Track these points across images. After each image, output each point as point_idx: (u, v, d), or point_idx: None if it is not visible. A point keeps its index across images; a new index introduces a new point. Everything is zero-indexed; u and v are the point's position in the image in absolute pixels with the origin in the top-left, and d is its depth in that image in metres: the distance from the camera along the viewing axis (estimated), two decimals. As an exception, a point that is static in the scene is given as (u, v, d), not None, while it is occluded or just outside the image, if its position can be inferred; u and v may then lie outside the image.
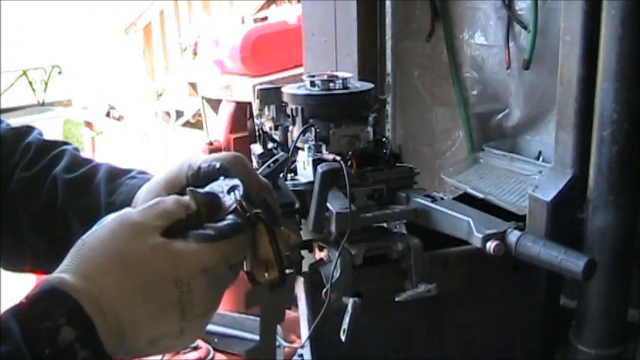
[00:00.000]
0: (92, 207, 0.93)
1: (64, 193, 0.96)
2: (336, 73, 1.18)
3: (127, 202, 0.90)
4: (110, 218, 0.69)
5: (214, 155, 0.83)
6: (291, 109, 1.14)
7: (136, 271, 0.65)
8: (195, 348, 1.90)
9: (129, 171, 1.00)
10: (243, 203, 0.75)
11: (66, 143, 1.10)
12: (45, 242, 0.96)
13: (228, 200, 0.76)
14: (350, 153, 1.10)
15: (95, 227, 0.69)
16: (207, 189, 0.78)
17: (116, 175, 0.98)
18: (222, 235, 0.71)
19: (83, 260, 0.65)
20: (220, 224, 0.72)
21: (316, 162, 1.07)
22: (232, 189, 0.77)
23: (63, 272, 0.64)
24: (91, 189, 0.96)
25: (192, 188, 0.75)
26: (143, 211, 0.70)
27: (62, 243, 0.81)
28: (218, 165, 0.81)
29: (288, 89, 1.17)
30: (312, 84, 1.15)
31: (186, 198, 0.73)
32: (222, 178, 0.80)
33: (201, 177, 0.82)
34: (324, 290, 1.02)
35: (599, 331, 1.28)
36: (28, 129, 1.12)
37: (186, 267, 0.67)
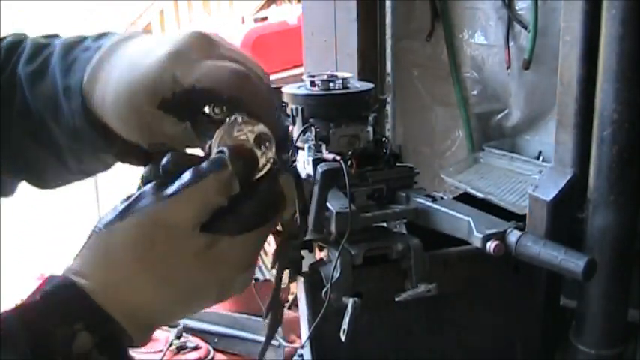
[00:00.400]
0: (50, 96, 0.74)
1: (28, 88, 0.77)
2: (336, 73, 1.18)
3: (80, 85, 0.71)
4: (140, 204, 0.57)
5: (209, 72, 0.63)
6: (291, 109, 1.14)
7: (177, 285, 0.58)
8: (195, 348, 1.90)
9: (83, 39, 0.76)
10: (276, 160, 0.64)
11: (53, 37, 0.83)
12: (36, 149, 0.80)
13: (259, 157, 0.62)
14: (350, 153, 1.10)
15: (113, 213, 0.58)
16: (225, 133, 0.62)
17: (70, 47, 0.76)
18: (265, 220, 0.62)
19: (108, 267, 0.57)
20: (257, 203, 0.61)
21: (316, 162, 1.07)
22: (261, 140, 0.62)
23: (80, 276, 0.56)
24: (48, 74, 0.75)
25: (225, 150, 0.60)
26: (177, 204, 0.57)
27: (48, 148, 0.74)
28: (223, 92, 0.63)
29: (288, 89, 1.17)
30: (312, 84, 1.15)
31: (226, 176, 0.59)
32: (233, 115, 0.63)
33: (192, 100, 0.64)
34: (324, 290, 1.02)
35: (599, 331, 1.28)
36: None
37: (232, 267, 0.61)
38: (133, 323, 0.57)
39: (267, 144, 0.63)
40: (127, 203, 0.58)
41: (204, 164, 0.59)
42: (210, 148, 0.62)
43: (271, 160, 0.63)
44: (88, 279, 0.56)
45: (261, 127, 0.63)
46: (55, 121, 0.75)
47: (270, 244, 1.11)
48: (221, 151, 0.60)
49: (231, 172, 0.59)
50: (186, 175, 0.58)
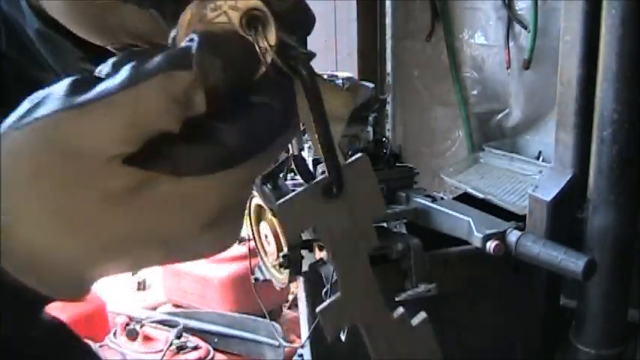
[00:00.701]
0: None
1: None
2: (336, 73, 1.18)
3: None
4: (43, 109, 0.37)
5: None
6: (291, 109, 1.14)
7: (89, 231, 0.38)
8: (195, 348, 1.90)
9: None
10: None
11: None
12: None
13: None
14: (350, 153, 1.10)
15: (13, 116, 0.37)
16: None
17: None
18: (247, 154, 0.38)
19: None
20: (237, 132, 0.37)
21: (316, 162, 1.07)
22: (252, 21, 0.38)
23: None
24: None
25: (195, 38, 0.37)
26: (89, 118, 0.36)
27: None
28: None
29: (288, 89, 1.17)
30: (312, 84, 1.15)
31: (182, 81, 0.36)
32: None
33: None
34: (324, 290, 1.02)
35: (599, 331, 1.28)
36: None
37: (183, 219, 0.39)
38: (37, 269, 0.39)
39: (261, 26, 0.38)
40: (29, 105, 0.38)
41: (153, 60, 0.36)
42: (174, 39, 0.39)
43: (268, 54, 0.38)
44: None
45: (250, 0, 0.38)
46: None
47: (270, 244, 1.11)
48: (191, 40, 0.37)
49: (194, 74, 0.36)
50: (120, 75, 0.36)
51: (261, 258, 1.18)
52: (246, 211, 1.18)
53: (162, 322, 2.00)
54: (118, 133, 0.36)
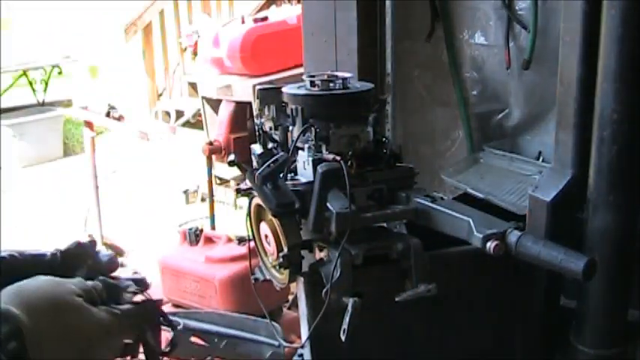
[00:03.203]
0: None
1: None
2: (336, 73, 1.18)
3: None
4: (43, 277, 0.88)
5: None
6: (291, 109, 1.14)
7: (65, 319, 0.84)
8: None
9: None
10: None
11: None
12: None
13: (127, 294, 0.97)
14: (350, 153, 1.10)
15: (24, 281, 0.86)
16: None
17: None
18: (122, 313, 0.91)
19: (27, 300, 0.82)
20: (122, 307, 0.93)
21: (316, 162, 1.07)
22: (128, 286, 0.97)
23: (7, 304, 0.81)
24: None
25: (105, 278, 0.95)
26: (74, 282, 0.89)
27: None
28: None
29: (288, 89, 1.17)
30: (312, 84, 1.15)
31: (101, 285, 0.93)
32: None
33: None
34: (324, 290, 1.02)
35: (599, 331, 1.28)
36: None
37: (97, 327, 0.87)
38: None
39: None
40: None
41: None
42: None
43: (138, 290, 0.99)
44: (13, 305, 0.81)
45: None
46: None
47: (270, 244, 1.11)
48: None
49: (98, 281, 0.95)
50: None
51: (261, 258, 1.18)
52: (247, 211, 1.18)
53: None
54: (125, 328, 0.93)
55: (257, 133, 1.21)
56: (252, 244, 1.20)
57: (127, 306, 0.94)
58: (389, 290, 1.06)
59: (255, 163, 1.17)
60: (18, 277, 0.90)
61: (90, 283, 0.93)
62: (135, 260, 3.16)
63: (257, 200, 1.11)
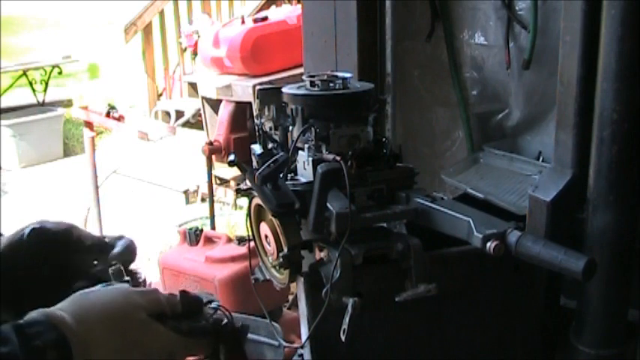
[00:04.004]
0: None
1: None
2: (336, 73, 1.18)
3: None
4: (113, 285, 0.87)
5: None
6: (291, 109, 1.14)
7: (122, 334, 0.80)
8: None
9: None
10: (217, 314, 0.93)
11: None
12: None
13: (209, 309, 0.93)
14: (350, 153, 1.10)
15: (98, 287, 0.85)
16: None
17: None
18: (191, 332, 0.88)
19: (81, 308, 0.80)
20: (193, 324, 0.89)
21: (316, 162, 1.07)
22: (209, 302, 0.94)
23: (61, 310, 0.78)
24: None
25: (184, 290, 0.92)
26: (140, 293, 0.87)
27: None
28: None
29: (288, 89, 1.17)
30: (312, 84, 1.15)
31: (177, 298, 0.90)
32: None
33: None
34: (324, 290, 1.02)
35: (599, 331, 1.28)
36: None
37: (158, 345, 0.84)
38: (82, 352, 0.75)
39: (213, 304, 0.96)
40: None
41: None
42: None
43: (215, 309, 0.95)
44: (65, 312, 0.78)
45: (213, 296, 0.98)
46: None
47: (270, 244, 1.11)
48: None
49: (181, 297, 0.92)
50: None
51: (261, 258, 1.18)
52: (247, 211, 1.18)
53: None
54: (192, 350, 0.92)
55: (257, 133, 1.21)
56: (252, 244, 1.20)
57: (199, 325, 0.91)
58: (389, 290, 1.06)
59: (255, 163, 1.17)
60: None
61: (164, 295, 0.88)
62: (135, 260, 3.16)
63: (257, 200, 1.11)
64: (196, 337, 0.90)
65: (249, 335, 1.95)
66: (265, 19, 4.59)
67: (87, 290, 0.84)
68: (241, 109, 4.38)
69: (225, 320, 0.94)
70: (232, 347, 0.94)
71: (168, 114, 6.11)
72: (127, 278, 0.97)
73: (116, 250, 1.06)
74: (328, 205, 1.01)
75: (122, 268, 0.99)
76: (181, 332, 0.87)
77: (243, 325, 0.98)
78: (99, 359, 0.78)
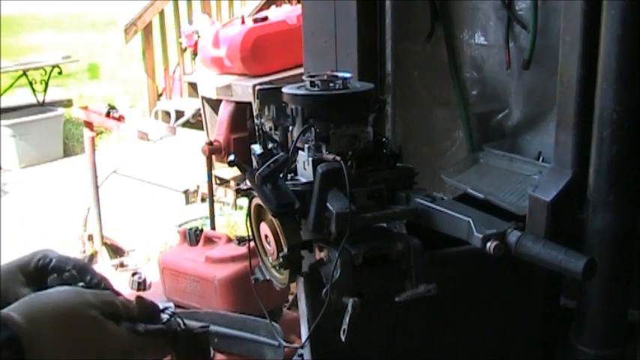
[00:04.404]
0: None
1: None
2: (336, 73, 1.18)
3: None
4: (64, 287, 0.86)
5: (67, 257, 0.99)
6: (291, 109, 1.14)
7: (72, 331, 0.80)
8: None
9: None
10: (174, 320, 0.93)
11: None
12: None
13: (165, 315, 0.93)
14: (350, 153, 1.10)
15: (47, 290, 0.85)
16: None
17: None
18: (145, 332, 0.88)
19: (32, 308, 0.79)
20: (150, 326, 0.89)
21: (316, 162, 1.07)
22: (165, 308, 0.95)
23: (11, 311, 0.78)
24: None
25: (139, 296, 0.92)
26: (95, 294, 0.86)
27: None
28: (70, 267, 0.97)
29: (288, 89, 1.17)
30: (312, 84, 1.15)
31: (133, 302, 0.90)
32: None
33: (49, 269, 0.97)
34: (324, 290, 1.01)
35: (599, 331, 1.28)
36: None
37: (111, 343, 0.83)
38: (31, 351, 0.75)
39: (168, 310, 0.96)
40: None
41: None
42: None
43: (172, 314, 0.95)
44: (16, 312, 0.78)
45: (169, 304, 0.97)
46: None
47: (270, 244, 1.11)
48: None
49: (137, 301, 0.91)
50: None
51: (261, 258, 1.18)
52: (247, 211, 1.18)
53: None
54: (146, 349, 0.90)
55: (257, 133, 1.21)
56: (252, 244, 1.20)
57: (154, 326, 0.90)
58: (389, 290, 1.06)
59: (255, 163, 1.17)
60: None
61: (119, 298, 0.89)
62: (135, 260, 3.16)
63: (257, 200, 1.11)
64: (151, 337, 0.90)
65: (249, 335, 1.96)
66: (265, 19, 4.59)
67: (39, 292, 0.84)
68: (241, 109, 4.37)
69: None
70: (188, 352, 0.95)
71: (168, 114, 6.10)
72: (81, 284, 0.95)
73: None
74: (328, 205, 1.01)
75: (77, 273, 0.98)
76: (136, 332, 0.87)
77: (203, 332, 0.98)
78: (51, 357, 0.78)
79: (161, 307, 0.95)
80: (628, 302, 1.27)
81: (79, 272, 0.97)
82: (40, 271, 0.97)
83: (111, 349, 0.83)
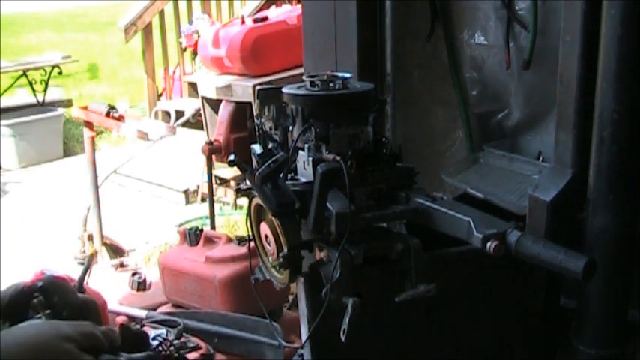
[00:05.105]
0: None
1: None
2: (336, 73, 1.18)
3: None
4: (39, 321, 0.84)
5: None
6: (291, 109, 1.14)
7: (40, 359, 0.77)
8: (195, 348, 1.90)
9: None
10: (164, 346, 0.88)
11: None
12: None
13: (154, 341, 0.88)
14: (350, 153, 1.10)
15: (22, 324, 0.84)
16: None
17: None
18: None
19: (5, 343, 0.77)
20: (133, 355, 0.85)
21: (316, 162, 1.07)
22: (157, 335, 0.92)
23: None
24: None
25: (124, 324, 0.86)
26: (73, 325, 0.83)
27: None
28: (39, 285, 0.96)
29: (288, 89, 1.17)
30: (312, 84, 1.15)
31: (117, 331, 0.85)
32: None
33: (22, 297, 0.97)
34: (324, 290, 1.01)
35: (599, 331, 1.28)
36: None
37: None
38: None
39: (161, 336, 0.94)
40: None
41: None
42: None
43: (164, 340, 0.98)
44: None
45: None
46: None
47: (270, 244, 1.11)
48: None
49: (121, 330, 0.87)
50: None
51: (261, 258, 1.18)
52: (247, 211, 1.18)
53: (162, 322, 1.99)
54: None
55: (257, 133, 1.21)
56: (252, 244, 1.20)
57: (140, 355, 0.87)
58: (389, 290, 1.06)
59: (255, 163, 1.17)
60: None
61: (100, 328, 0.86)
62: (135, 260, 3.16)
63: (257, 200, 1.11)
64: None
65: (249, 335, 1.96)
66: (265, 19, 4.59)
67: (14, 326, 0.84)
68: (241, 109, 4.37)
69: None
70: None
71: (168, 114, 6.10)
72: (48, 311, 0.95)
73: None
74: (328, 205, 1.01)
75: (44, 299, 0.97)
76: None
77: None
78: None
79: (152, 334, 0.93)
80: (628, 302, 1.27)
81: (45, 294, 0.97)
82: (13, 306, 0.96)
83: None
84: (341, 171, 1.01)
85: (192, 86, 5.97)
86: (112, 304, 2.22)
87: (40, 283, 0.98)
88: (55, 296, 0.97)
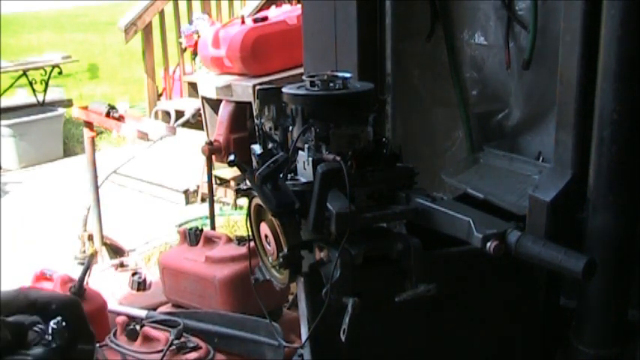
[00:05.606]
0: None
1: None
2: (336, 73, 1.18)
3: None
4: None
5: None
6: (291, 109, 1.14)
7: None
8: (195, 348, 1.90)
9: None
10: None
11: None
12: None
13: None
14: (350, 153, 1.10)
15: None
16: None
17: None
18: None
19: None
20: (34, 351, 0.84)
21: (316, 162, 1.07)
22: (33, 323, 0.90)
23: None
24: None
25: (3, 318, 0.86)
26: None
27: None
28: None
29: (288, 89, 1.17)
30: (312, 84, 1.15)
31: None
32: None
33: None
34: (324, 290, 1.02)
35: (599, 331, 1.28)
36: None
37: None
38: None
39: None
40: None
41: None
42: None
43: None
44: None
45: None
46: None
47: (270, 244, 1.11)
48: None
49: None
50: None
51: (261, 258, 1.18)
52: (247, 211, 1.18)
53: (162, 322, 1.99)
54: None
55: (257, 133, 1.21)
56: (252, 244, 1.20)
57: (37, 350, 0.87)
58: (389, 290, 1.06)
59: (255, 163, 1.17)
60: None
61: None
62: (135, 260, 3.16)
63: (257, 200, 1.11)
64: None
65: (249, 335, 1.96)
66: (265, 19, 4.59)
67: None
68: (241, 109, 4.37)
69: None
70: None
71: (168, 114, 6.10)
72: None
73: None
74: (328, 205, 1.01)
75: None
76: None
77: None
78: None
79: (28, 322, 0.93)
80: (628, 302, 1.27)
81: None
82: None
83: None
84: (341, 171, 1.01)
85: (192, 86, 5.96)
86: (112, 304, 2.22)
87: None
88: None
